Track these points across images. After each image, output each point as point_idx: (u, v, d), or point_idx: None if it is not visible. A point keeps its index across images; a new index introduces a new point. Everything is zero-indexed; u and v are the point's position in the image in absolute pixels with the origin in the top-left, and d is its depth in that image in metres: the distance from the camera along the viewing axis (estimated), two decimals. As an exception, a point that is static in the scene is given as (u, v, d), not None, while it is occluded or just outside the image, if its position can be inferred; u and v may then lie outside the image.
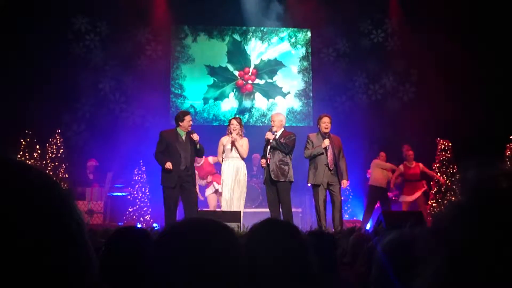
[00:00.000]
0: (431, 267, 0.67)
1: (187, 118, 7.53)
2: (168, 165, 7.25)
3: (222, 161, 7.80)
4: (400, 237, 1.57)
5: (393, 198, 10.62)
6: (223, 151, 7.77)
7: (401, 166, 10.05)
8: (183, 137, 7.47)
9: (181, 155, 7.37)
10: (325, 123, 7.62)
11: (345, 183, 7.69)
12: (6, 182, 0.64)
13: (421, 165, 10.10)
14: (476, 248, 0.63)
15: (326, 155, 7.54)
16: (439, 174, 10.43)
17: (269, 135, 7.51)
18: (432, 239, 0.69)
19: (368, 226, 9.21)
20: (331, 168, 7.53)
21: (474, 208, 0.66)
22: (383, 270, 1.51)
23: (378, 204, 10.06)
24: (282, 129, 7.69)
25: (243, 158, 7.76)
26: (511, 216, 0.64)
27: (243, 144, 7.70)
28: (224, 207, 7.62)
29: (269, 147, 7.55)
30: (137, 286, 1.89)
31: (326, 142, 7.51)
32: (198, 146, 7.45)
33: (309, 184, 8.40)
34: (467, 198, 0.68)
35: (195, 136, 7.41)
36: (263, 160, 7.56)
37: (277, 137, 7.57)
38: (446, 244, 0.66)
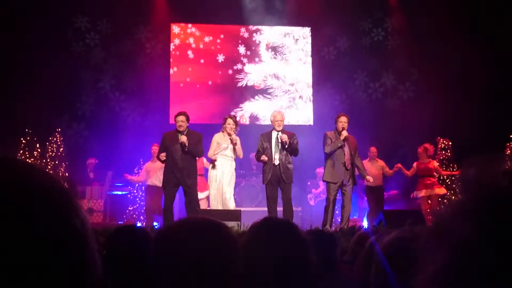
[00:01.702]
0: (431, 267, 0.66)
1: (177, 119, 7.58)
2: (162, 155, 7.52)
3: (214, 157, 7.79)
4: (400, 236, 1.56)
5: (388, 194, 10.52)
6: (217, 148, 7.75)
7: (414, 164, 9.77)
8: (179, 139, 7.50)
9: (176, 156, 7.41)
10: (342, 122, 7.68)
11: (370, 179, 7.91)
12: (8, 181, 0.64)
13: (435, 162, 9.95)
14: (477, 247, 0.63)
15: (344, 152, 7.59)
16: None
17: (285, 138, 7.50)
18: (432, 238, 0.69)
19: (367, 225, 9.21)
20: (348, 168, 7.58)
21: (475, 207, 0.66)
22: (383, 269, 1.51)
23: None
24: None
25: (237, 158, 7.83)
26: (511, 215, 0.63)
27: (238, 144, 7.76)
28: (214, 205, 7.62)
29: (274, 147, 7.55)
30: (137, 284, 1.89)
31: (344, 133, 7.59)
32: (186, 149, 7.40)
33: (308, 183, 8.40)
34: (467, 197, 0.68)
35: (182, 138, 7.39)
36: (265, 157, 7.55)
37: (279, 136, 7.59)
38: (446, 244, 0.66)
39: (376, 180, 9.63)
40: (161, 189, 9.52)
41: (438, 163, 10.10)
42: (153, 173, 9.63)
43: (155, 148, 9.59)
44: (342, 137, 7.57)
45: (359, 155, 7.99)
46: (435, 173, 9.85)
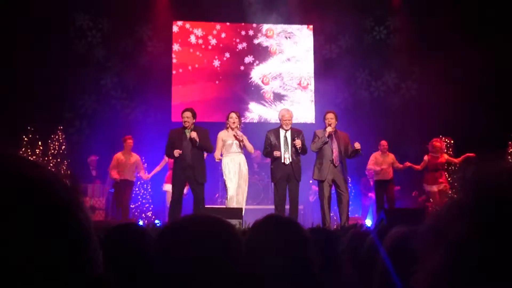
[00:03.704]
0: (429, 265, 0.66)
1: (183, 115, 7.57)
2: (176, 152, 7.37)
3: (222, 156, 7.70)
4: (402, 235, 1.56)
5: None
6: (223, 146, 7.70)
7: (425, 158, 9.58)
8: (187, 135, 7.49)
9: (185, 153, 7.39)
10: (328, 119, 7.67)
11: (357, 145, 7.65)
12: (10, 176, 0.65)
13: (446, 155, 9.79)
14: (475, 246, 0.63)
15: (332, 150, 7.56)
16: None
17: (299, 144, 7.48)
18: (431, 237, 0.69)
19: (369, 223, 9.18)
20: (336, 165, 7.55)
21: (473, 206, 0.66)
22: (385, 268, 1.50)
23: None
24: None
25: (245, 153, 7.77)
26: (511, 214, 0.63)
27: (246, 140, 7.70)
28: (230, 204, 7.56)
29: (283, 146, 7.54)
30: (135, 282, 1.89)
31: (329, 129, 7.58)
32: (196, 144, 7.40)
33: (310, 182, 8.36)
34: (467, 196, 0.68)
35: (192, 134, 7.39)
36: (278, 152, 7.53)
37: (288, 134, 7.58)
38: (444, 242, 0.65)
39: (385, 174, 9.56)
40: (132, 183, 9.54)
41: (447, 156, 9.90)
42: (124, 167, 9.48)
43: (129, 141, 9.55)
44: (326, 134, 7.55)
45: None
46: (445, 166, 9.70)
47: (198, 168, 7.45)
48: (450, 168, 10.09)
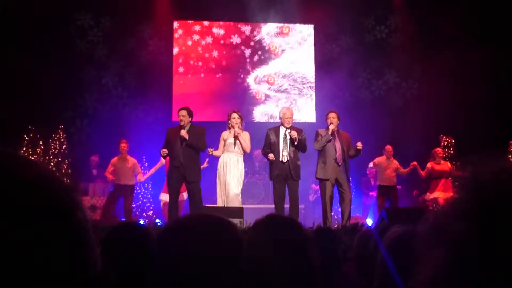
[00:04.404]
0: (429, 267, 0.66)
1: (179, 113, 7.61)
2: (163, 151, 7.52)
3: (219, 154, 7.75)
4: (402, 234, 1.56)
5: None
6: (224, 145, 7.72)
7: (428, 165, 9.48)
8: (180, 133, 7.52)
9: (178, 151, 7.41)
10: (330, 118, 7.67)
11: (359, 145, 7.64)
12: (8, 174, 0.65)
13: (449, 163, 9.65)
14: (476, 247, 0.62)
15: (335, 149, 7.56)
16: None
17: (294, 134, 7.48)
18: (431, 237, 0.69)
19: (370, 223, 9.18)
20: (339, 164, 7.55)
21: (474, 206, 0.65)
22: (385, 267, 1.50)
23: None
24: None
25: (245, 153, 7.75)
26: (511, 214, 0.63)
27: (245, 138, 7.65)
28: (220, 203, 7.59)
29: (282, 144, 7.54)
30: (136, 282, 1.89)
31: (331, 127, 7.57)
32: (185, 142, 7.42)
33: (310, 182, 8.32)
34: (467, 195, 0.68)
35: (181, 132, 7.41)
36: (272, 156, 7.52)
37: (288, 133, 7.58)
38: (444, 243, 0.65)
39: (389, 180, 9.49)
40: (132, 187, 9.52)
41: (450, 164, 9.75)
42: (121, 171, 9.46)
43: (123, 145, 9.54)
44: (330, 131, 7.55)
45: (362, 153, 7.91)
46: (448, 175, 9.54)
47: (189, 166, 7.45)
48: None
